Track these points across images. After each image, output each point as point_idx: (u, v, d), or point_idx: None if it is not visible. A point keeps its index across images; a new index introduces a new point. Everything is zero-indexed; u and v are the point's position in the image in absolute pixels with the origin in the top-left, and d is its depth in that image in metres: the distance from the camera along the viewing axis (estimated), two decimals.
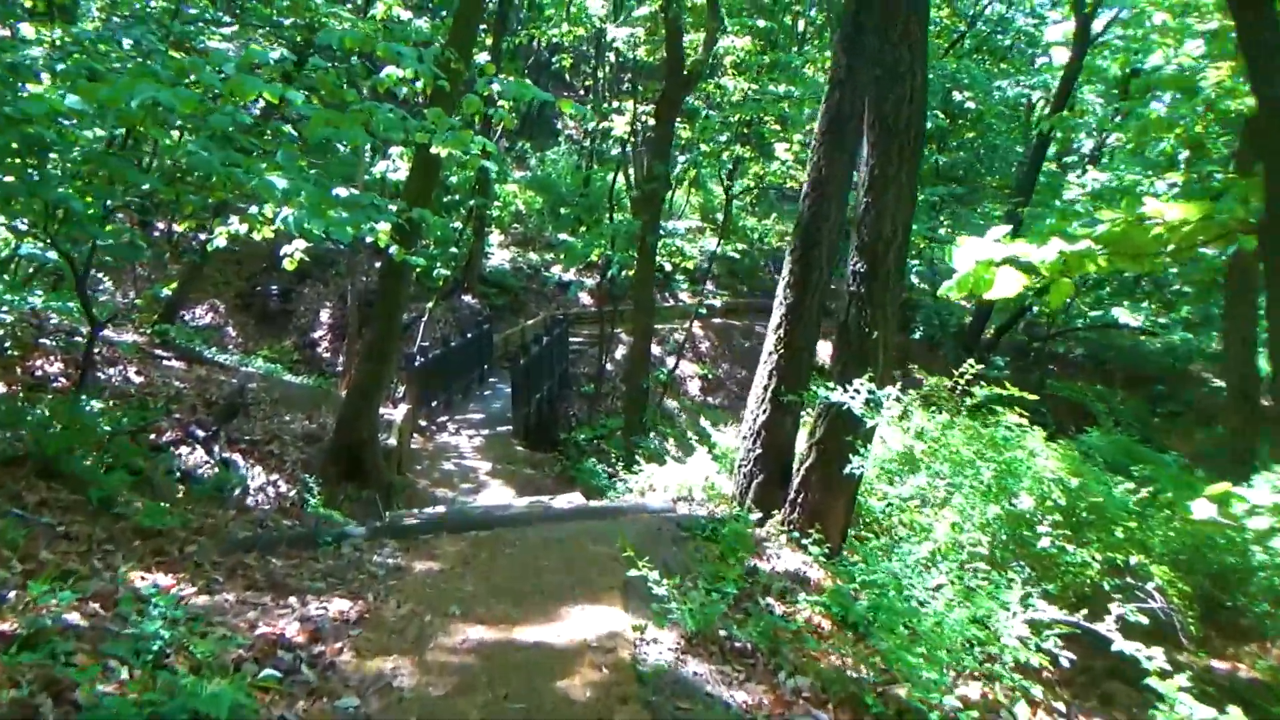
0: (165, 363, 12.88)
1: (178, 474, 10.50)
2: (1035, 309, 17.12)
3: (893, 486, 5.66)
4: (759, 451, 6.47)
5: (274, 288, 22.84)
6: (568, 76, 44.54)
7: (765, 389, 6.52)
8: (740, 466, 6.62)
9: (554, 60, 36.17)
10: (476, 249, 24.42)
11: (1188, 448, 14.03)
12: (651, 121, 16.04)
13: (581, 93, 39.11)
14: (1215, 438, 17.92)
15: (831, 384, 5.87)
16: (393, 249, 8.54)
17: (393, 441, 12.80)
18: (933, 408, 6.47)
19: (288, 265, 9.36)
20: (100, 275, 16.81)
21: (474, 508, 8.31)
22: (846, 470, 5.84)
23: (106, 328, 13.61)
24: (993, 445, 5.25)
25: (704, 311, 14.53)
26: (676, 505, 6.92)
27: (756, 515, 6.31)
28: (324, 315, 22.42)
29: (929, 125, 20.26)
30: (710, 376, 22.63)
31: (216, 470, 10.72)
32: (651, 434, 13.16)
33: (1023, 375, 13.41)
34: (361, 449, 11.35)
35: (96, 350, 12.16)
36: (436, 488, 12.73)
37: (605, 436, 14.07)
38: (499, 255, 27.37)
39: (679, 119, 12.51)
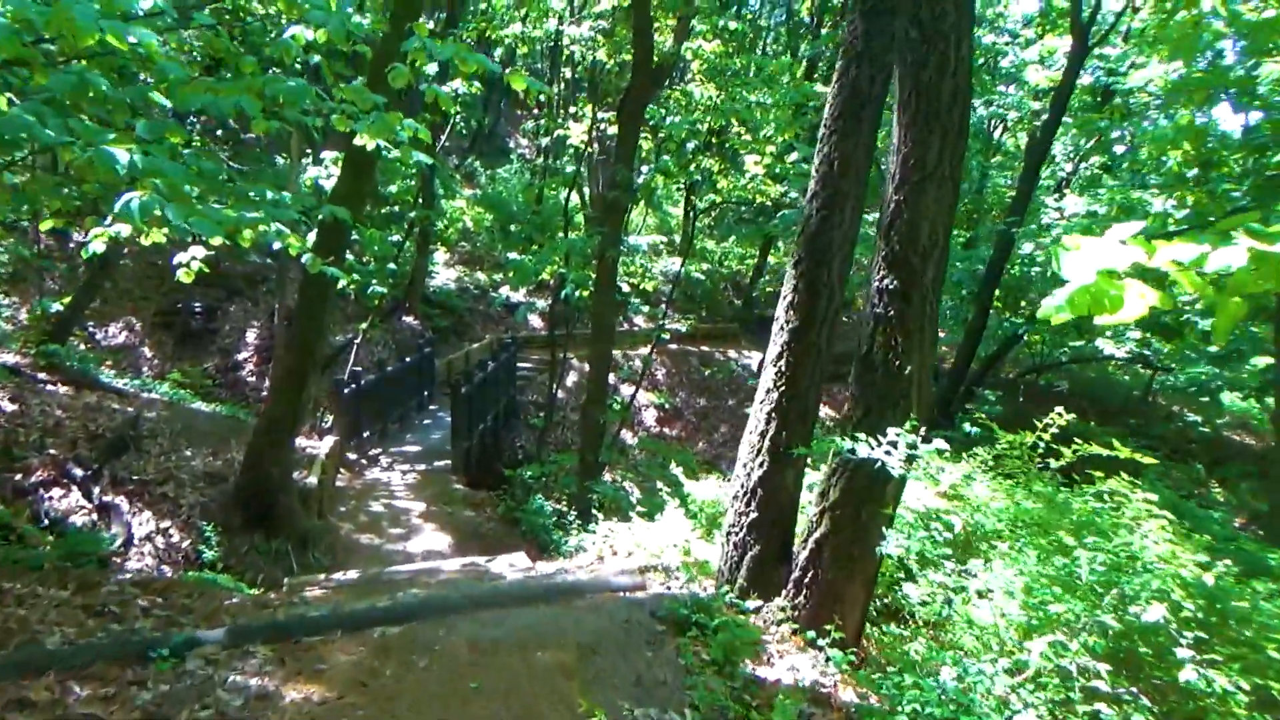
0: (48, 388, 11.15)
1: (45, 521, 8.85)
2: (1025, 337, 16.13)
3: (934, 570, 4.32)
4: (754, 516, 5.12)
5: (197, 305, 20.98)
6: (521, 94, 43.35)
7: (762, 436, 5.18)
8: (730, 533, 5.26)
9: (505, 72, 34.91)
10: (419, 266, 22.89)
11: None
12: (612, 129, 14.78)
13: (535, 111, 37.90)
14: (1194, 476, 17.07)
15: (855, 434, 4.56)
16: (305, 258, 7.05)
17: (313, 480, 11.22)
18: (989, 468, 5.17)
19: (183, 276, 7.74)
20: None
21: (392, 574, 6.80)
22: (873, 545, 4.53)
23: None
24: (1090, 528, 3.95)
25: (666, 336, 13.27)
26: (646, 579, 5.53)
27: (753, 602, 4.95)
28: (250, 336, 20.63)
29: None
30: (668, 406, 21.30)
31: (95, 517, 9.08)
32: (607, 473, 11.77)
33: (1016, 412, 12.38)
34: (271, 491, 9.77)
35: None
36: (362, 533, 11.16)
37: (555, 475, 12.62)
38: (444, 274, 25.82)
39: (642, 127, 11.26)
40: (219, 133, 23.22)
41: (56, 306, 12.64)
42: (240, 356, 20.40)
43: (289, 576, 9.72)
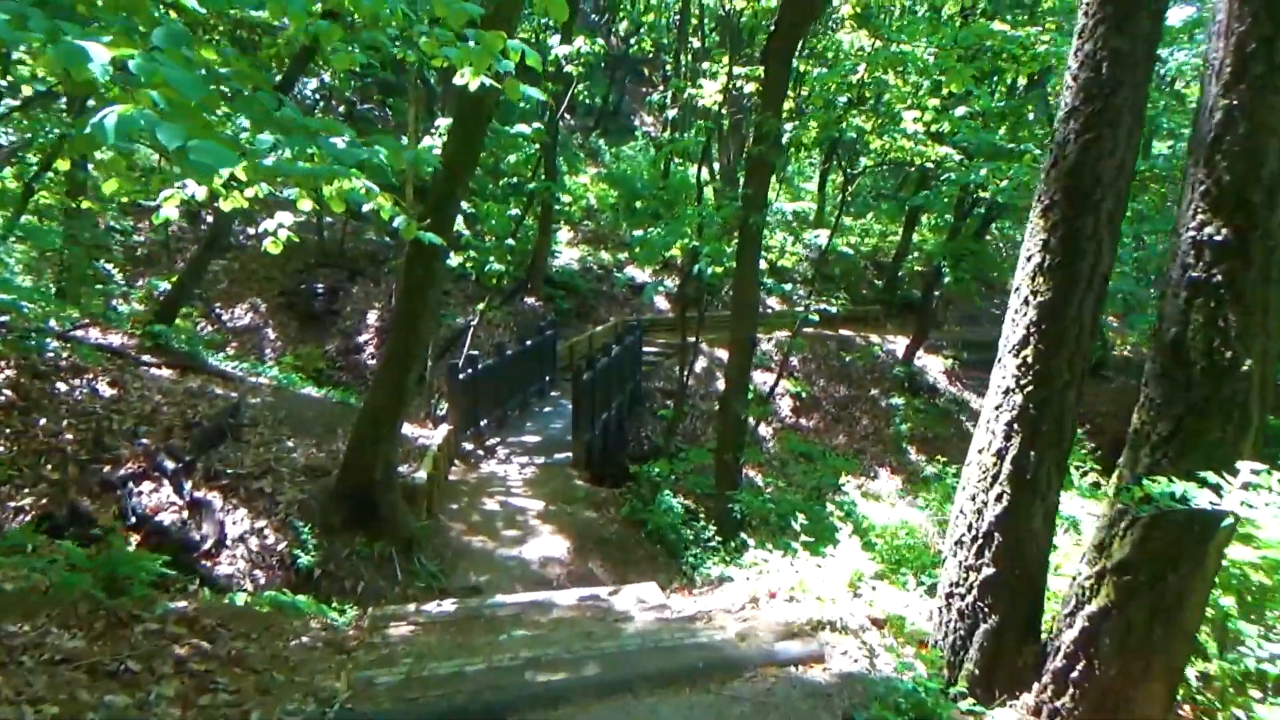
0: (151, 371, 10.53)
1: (133, 517, 8.10)
2: None
3: None
4: (989, 573, 3.60)
5: (319, 286, 20.65)
6: (645, 70, 42.16)
7: (999, 458, 3.65)
8: (952, 595, 3.76)
9: (630, 43, 33.68)
10: (541, 245, 21.93)
11: None
12: (749, 87, 13.24)
13: (661, 87, 36.62)
14: None
15: (1156, 459, 3.00)
16: (399, 221, 5.89)
17: (423, 474, 10.23)
18: None
19: (270, 246, 6.78)
20: (107, 266, 14.61)
21: (494, 608, 5.57)
22: (1186, 627, 2.97)
23: (86, 328, 11.43)
24: None
25: (816, 318, 11.61)
26: (822, 643, 4.10)
27: (996, 712, 3.44)
28: (371, 317, 20.14)
29: None
30: (805, 395, 19.64)
31: (185, 514, 8.28)
32: (745, 473, 10.31)
33: None
34: (374, 488, 8.78)
35: (64, 356, 9.90)
36: (474, 535, 10.10)
37: (685, 473, 11.26)
38: (567, 254, 24.83)
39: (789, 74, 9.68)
40: (340, 109, 22.86)
41: (164, 285, 12.02)
42: (361, 338, 19.92)
43: (393, 583, 8.75)
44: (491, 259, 13.64)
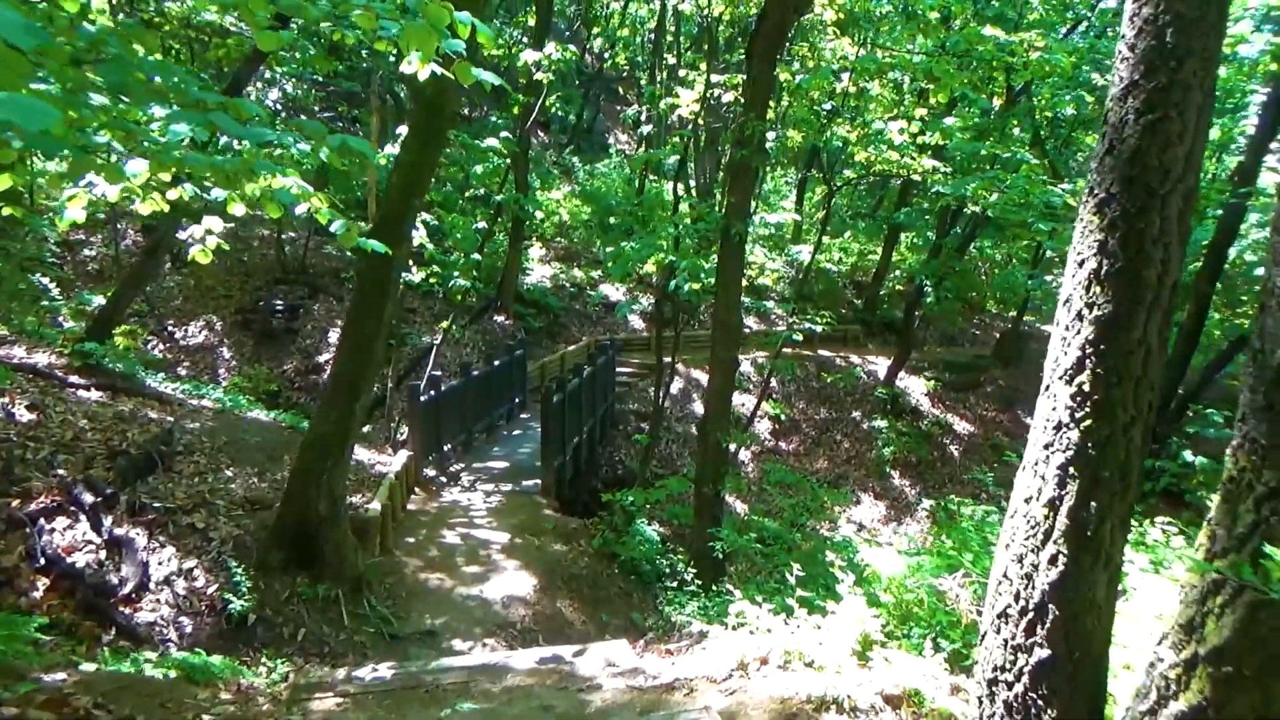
0: (77, 394, 9.66)
1: (41, 559, 7.23)
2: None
3: None
4: (1043, 655, 2.89)
5: (278, 303, 19.76)
6: (620, 89, 41.67)
7: (1052, 509, 2.95)
8: (995, 681, 3.04)
9: (606, 58, 33.16)
10: (512, 262, 21.21)
11: None
12: (728, 96, 12.62)
13: (635, 105, 36.17)
14: None
15: (1261, 515, 2.32)
16: (336, 226, 5.17)
17: (376, 506, 9.43)
18: None
19: (198, 257, 6.01)
20: (43, 280, 13.67)
21: (438, 673, 4.79)
22: None
23: (10, 345, 10.54)
24: None
25: (799, 338, 10.92)
26: None
27: None
28: (333, 335, 19.25)
29: (1070, 111, 16.58)
30: (784, 418, 18.98)
31: (103, 554, 7.42)
32: (727, 500, 9.57)
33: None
34: (318, 526, 7.97)
35: None
36: (432, 571, 9.30)
37: (662, 502, 10.52)
38: (539, 271, 24.12)
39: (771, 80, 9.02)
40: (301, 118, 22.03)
41: (99, 300, 11.13)
42: (321, 358, 19.03)
43: (338, 629, 7.92)
44: (457, 274, 12.86)
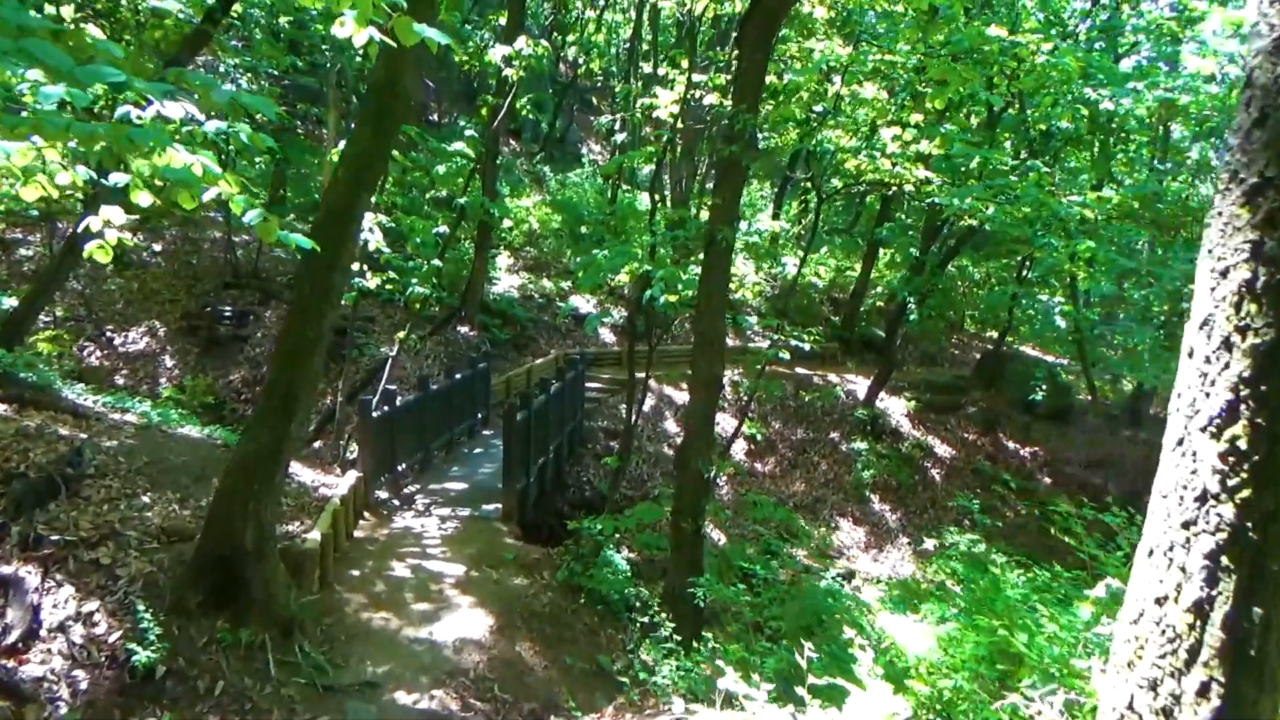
0: None
1: None
2: None
3: None
4: None
5: (226, 309, 18.67)
6: (594, 100, 40.89)
7: (1198, 615, 2.10)
8: None
9: (580, 65, 32.37)
10: (478, 271, 20.28)
11: None
12: (709, 99, 11.82)
13: (608, 114, 35.43)
14: None
15: None
16: (251, 216, 4.28)
17: (316, 535, 8.45)
18: None
19: (97, 254, 5.07)
20: None
21: None
22: None
23: None
24: None
25: (785, 355, 10.04)
26: None
27: None
28: None
29: (1065, 125, 15.98)
30: (760, 438, 18.17)
31: None
32: (710, 529, 8.66)
33: None
34: (243, 561, 6.99)
35: None
36: (377, 610, 8.32)
37: (632, 532, 9.62)
38: (506, 281, 23.20)
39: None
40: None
41: (9, 301, 10.01)
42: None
43: (263, 681, 6.93)
44: (415, 281, 11.92)
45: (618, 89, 31.60)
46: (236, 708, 6.46)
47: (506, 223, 24.32)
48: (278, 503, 7.28)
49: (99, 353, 17.81)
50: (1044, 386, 19.69)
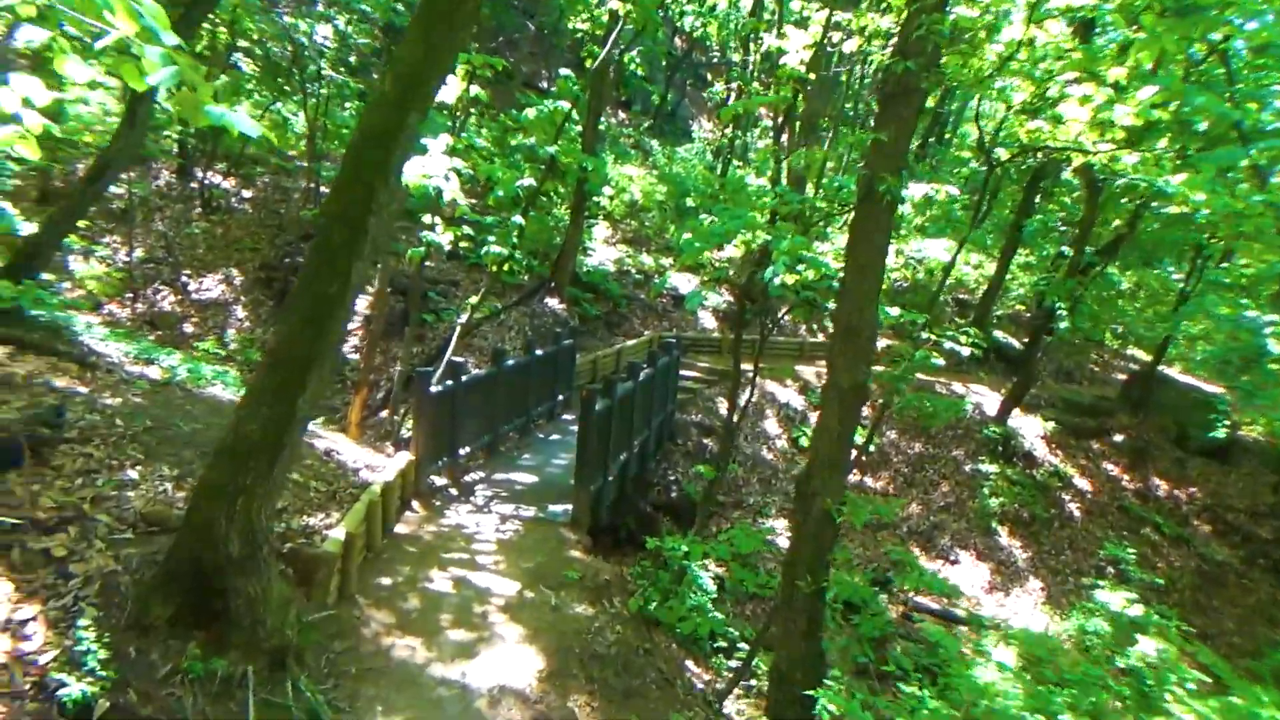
0: None
1: None
2: None
3: None
4: None
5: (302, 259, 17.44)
6: (708, 75, 38.75)
7: None
8: None
9: (695, 31, 30.33)
10: (572, 239, 18.64)
11: None
12: (849, 45, 9.77)
13: (723, 84, 33.43)
14: None
15: None
16: (161, 75, 2.56)
17: (340, 534, 6.89)
18: None
19: (17, 144, 3.50)
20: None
21: None
22: None
23: None
24: None
25: (940, 361, 7.86)
26: None
27: None
28: (362, 302, 16.88)
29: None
30: (873, 448, 16.05)
31: None
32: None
33: None
34: (224, 570, 5.42)
35: None
36: (402, 635, 6.72)
37: (726, 562, 7.69)
38: (602, 253, 21.52)
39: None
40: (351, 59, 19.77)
41: (28, 226, 8.67)
42: (346, 326, 16.66)
43: None
44: (492, 239, 10.27)
45: (735, 56, 29.48)
46: None
47: (607, 191, 22.64)
48: (275, 501, 5.67)
49: (172, 298, 16.87)
50: (1226, 420, 16.81)
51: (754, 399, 16.19)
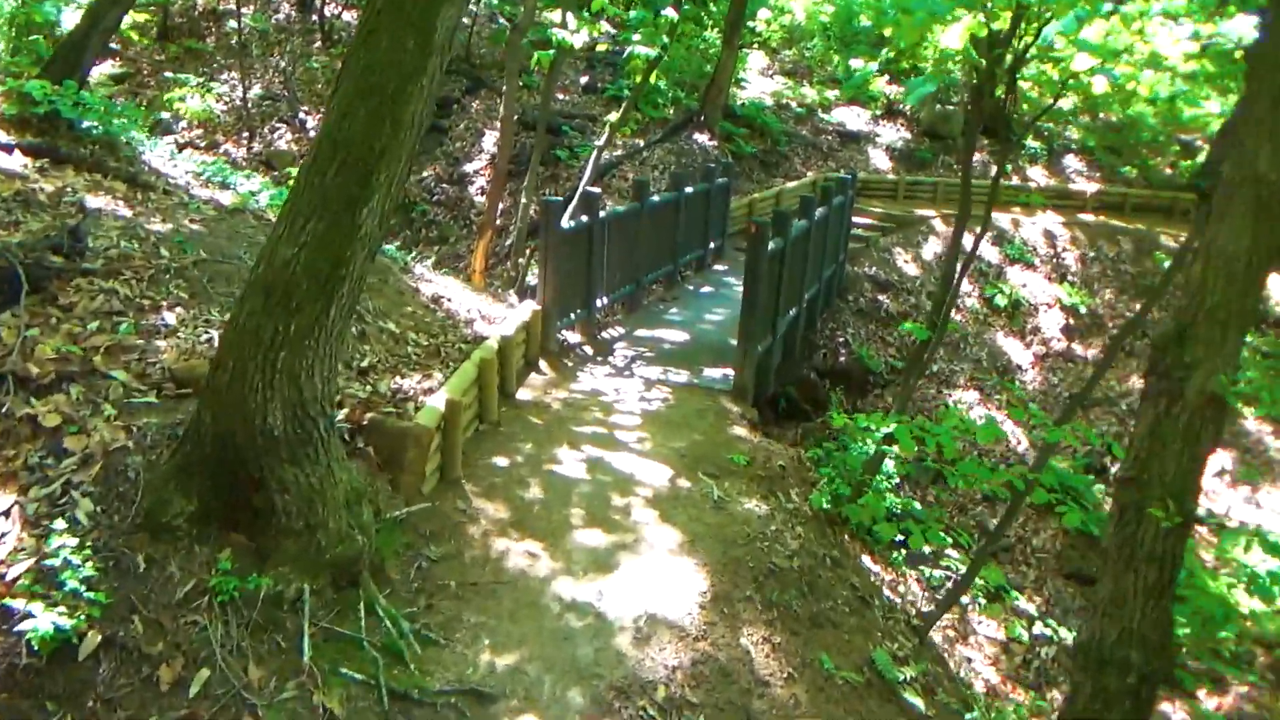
0: None
1: None
2: None
3: None
4: None
5: None
6: None
7: None
8: None
9: None
10: (725, 68, 16.17)
11: None
12: None
13: None
14: None
15: None
16: None
17: (437, 402, 5.25)
18: None
19: None
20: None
21: None
22: None
23: None
24: None
25: None
26: None
27: None
28: (488, 141, 15.14)
29: None
30: (1082, 308, 13.43)
31: None
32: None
33: None
34: (264, 455, 3.82)
35: None
36: (517, 537, 5.09)
37: (914, 444, 5.58)
38: (758, 85, 18.92)
39: None
40: None
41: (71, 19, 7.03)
42: (469, 166, 15.02)
43: (286, 674, 3.89)
44: (637, 38, 8.12)
45: None
46: None
47: (763, 14, 19.79)
48: (337, 355, 3.96)
49: (289, 136, 15.61)
50: None
51: (940, 249, 13.73)
